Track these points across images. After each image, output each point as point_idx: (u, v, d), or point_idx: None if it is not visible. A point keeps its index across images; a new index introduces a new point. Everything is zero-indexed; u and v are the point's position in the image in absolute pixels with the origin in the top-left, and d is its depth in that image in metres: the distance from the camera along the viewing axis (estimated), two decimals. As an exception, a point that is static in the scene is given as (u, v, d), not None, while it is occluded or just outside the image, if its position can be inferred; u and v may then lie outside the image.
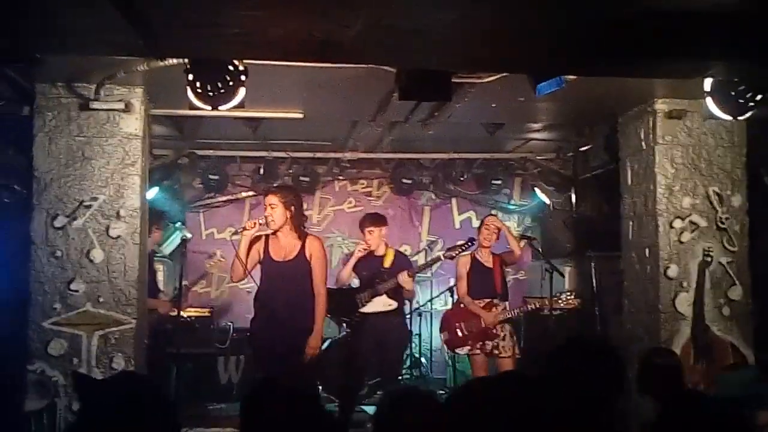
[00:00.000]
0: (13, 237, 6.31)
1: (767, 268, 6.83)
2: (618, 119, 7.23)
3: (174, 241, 8.78)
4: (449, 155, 9.47)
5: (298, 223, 5.75)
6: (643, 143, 6.82)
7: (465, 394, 2.31)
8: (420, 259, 9.34)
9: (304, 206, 9.60)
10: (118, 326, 5.96)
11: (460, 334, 7.09)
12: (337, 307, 7.44)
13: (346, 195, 10.23)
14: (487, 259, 7.19)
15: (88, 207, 6.00)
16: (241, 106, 5.23)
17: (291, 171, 9.37)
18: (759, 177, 6.95)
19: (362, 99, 6.66)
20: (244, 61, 5.02)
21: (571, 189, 9.40)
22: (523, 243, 7.59)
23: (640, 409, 5.15)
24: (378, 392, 7.74)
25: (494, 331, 6.97)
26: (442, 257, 7.11)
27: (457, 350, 7.24)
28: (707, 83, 5.69)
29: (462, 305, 7.21)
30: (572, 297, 7.43)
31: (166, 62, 5.17)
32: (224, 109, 5.21)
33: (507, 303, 7.16)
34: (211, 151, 8.94)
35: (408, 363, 8.47)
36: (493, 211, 9.81)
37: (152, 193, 7.76)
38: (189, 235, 8.37)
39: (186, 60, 4.98)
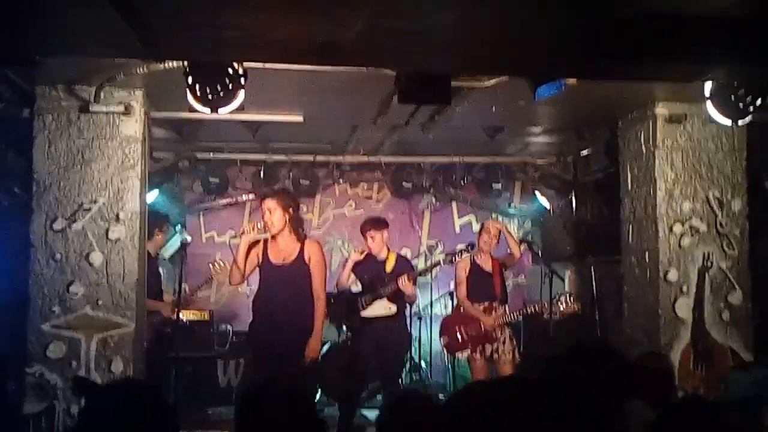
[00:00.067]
0: (13, 239, 6.31)
1: (767, 272, 6.82)
2: (618, 123, 7.23)
3: (174, 244, 8.77)
4: (450, 159, 9.46)
5: (297, 226, 5.75)
6: (643, 147, 6.83)
7: (464, 397, 2.30)
8: (420, 263, 9.33)
9: (304, 209, 9.78)
10: (116, 329, 5.97)
11: (459, 338, 7.08)
12: (339, 310, 7.43)
13: (346, 198, 10.21)
14: (486, 263, 7.18)
15: (88, 210, 6.00)
16: (240, 109, 5.24)
17: (291, 174, 9.35)
18: (759, 181, 6.95)
19: (362, 102, 6.66)
20: (244, 63, 5.02)
21: (571, 193, 9.39)
22: (523, 247, 7.59)
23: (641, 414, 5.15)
24: (378, 396, 7.74)
25: (494, 334, 6.96)
26: (442, 262, 7.10)
27: (456, 354, 7.23)
28: (707, 87, 5.69)
29: (462, 309, 7.21)
30: (572, 300, 7.41)
31: (166, 65, 5.18)
32: (224, 112, 5.21)
33: (506, 306, 7.15)
34: (212, 154, 8.94)
35: (408, 367, 8.45)
36: (494, 215, 9.80)
37: (152, 196, 7.76)
38: (189, 239, 8.36)
39: (185, 63, 4.98)
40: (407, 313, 7.32)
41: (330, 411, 8.00)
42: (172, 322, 6.83)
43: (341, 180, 10.05)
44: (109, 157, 6.06)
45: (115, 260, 6.00)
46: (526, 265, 10.02)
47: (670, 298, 6.59)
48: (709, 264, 6.59)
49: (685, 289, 6.59)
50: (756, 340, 6.67)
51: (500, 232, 7.19)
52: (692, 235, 6.64)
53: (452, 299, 8.21)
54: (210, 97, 5.01)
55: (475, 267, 7.16)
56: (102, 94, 6.00)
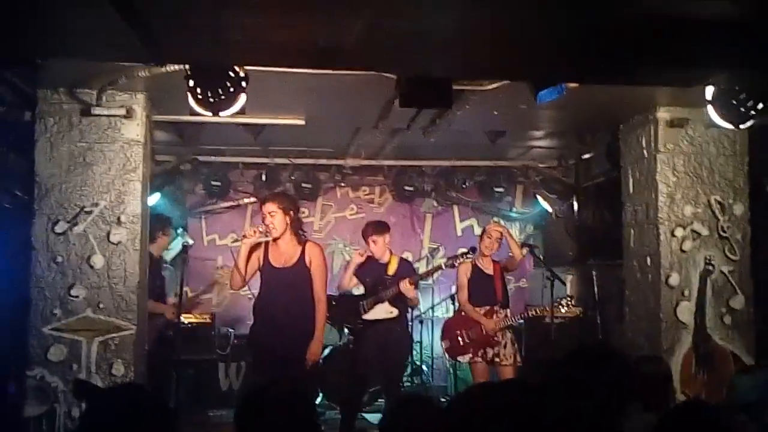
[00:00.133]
0: (14, 242, 6.31)
1: (769, 276, 6.82)
2: (620, 127, 7.24)
3: (175, 247, 8.77)
4: (451, 162, 9.48)
5: (297, 229, 5.74)
6: (644, 151, 6.82)
7: (466, 400, 2.29)
8: (421, 267, 9.33)
9: (306, 213, 9.78)
10: (118, 332, 5.96)
11: (461, 341, 7.08)
12: (341, 313, 7.43)
13: (348, 202, 10.22)
14: (487, 267, 7.18)
15: (89, 213, 6.00)
16: (241, 112, 5.23)
17: (293, 177, 9.36)
18: (761, 186, 6.94)
19: (364, 106, 6.67)
20: (245, 67, 5.02)
21: (572, 197, 9.39)
22: (524, 251, 7.58)
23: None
24: (379, 400, 7.73)
25: (495, 338, 6.96)
26: (443, 266, 7.09)
27: (458, 358, 7.22)
28: (709, 92, 5.68)
29: (463, 313, 7.20)
30: (573, 303, 7.41)
31: (168, 68, 5.18)
32: (225, 115, 5.21)
33: (508, 310, 7.15)
34: (214, 158, 8.95)
35: (409, 370, 8.45)
36: (495, 219, 9.80)
37: (153, 199, 7.76)
38: (190, 242, 8.38)
39: (186, 66, 4.98)
40: (409, 316, 7.32)
41: (331, 414, 8.02)
42: (174, 325, 6.83)
43: (343, 183, 10.06)
44: (110, 160, 6.06)
45: (116, 263, 6.00)
46: (527, 268, 10.02)
47: (671, 302, 6.58)
48: (710, 268, 6.58)
49: (686, 293, 6.58)
50: (758, 344, 6.66)
51: (502, 235, 7.19)
52: (694, 239, 6.64)
53: (454, 303, 8.21)
54: (211, 100, 5.00)
55: (476, 270, 7.16)
56: (104, 97, 6.00)
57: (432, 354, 9.42)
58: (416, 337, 8.58)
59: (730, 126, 5.82)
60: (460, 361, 7.36)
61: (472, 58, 4.59)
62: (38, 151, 6.00)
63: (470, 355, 7.01)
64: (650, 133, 6.74)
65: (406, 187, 9.64)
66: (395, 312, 6.73)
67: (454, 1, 3.59)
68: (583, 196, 9.24)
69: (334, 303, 7.63)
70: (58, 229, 5.95)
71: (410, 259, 8.67)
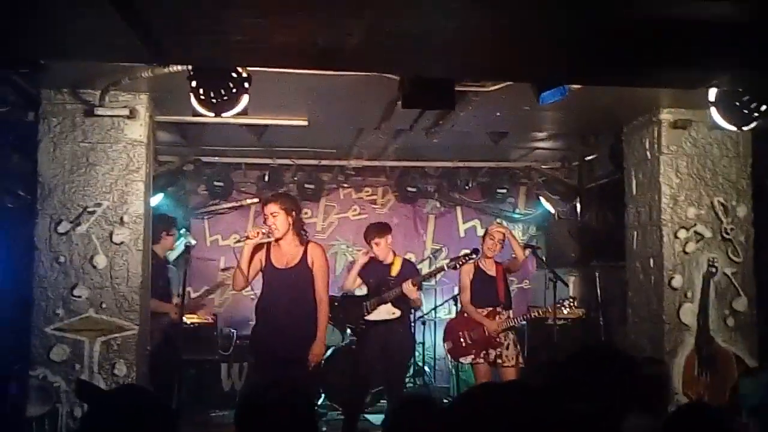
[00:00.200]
0: (17, 242, 6.33)
1: (772, 279, 6.80)
2: (623, 129, 7.22)
3: (178, 247, 8.78)
4: (454, 164, 9.48)
5: (299, 230, 5.74)
6: (648, 153, 6.81)
7: (468, 400, 2.29)
8: (424, 268, 9.32)
9: (309, 213, 9.79)
10: (120, 332, 5.97)
11: (463, 342, 7.07)
12: (344, 314, 7.43)
13: (350, 202, 10.23)
14: (490, 268, 7.17)
15: (92, 213, 6.01)
16: (244, 113, 5.24)
17: (296, 178, 9.37)
18: (764, 187, 6.91)
19: (367, 107, 6.67)
20: (248, 68, 5.02)
21: (576, 198, 9.37)
22: (527, 252, 7.57)
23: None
24: (381, 401, 7.73)
25: (497, 339, 6.95)
26: (446, 267, 7.08)
27: (460, 359, 7.22)
28: (712, 93, 5.68)
29: (465, 314, 7.20)
30: (575, 305, 7.40)
31: (171, 69, 5.18)
32: (227, 116, 5.22)
33: (510, 311, 7.14)
34: (217, 158, 8.96)
35: (411, 372, 8.45)
36: (498, 220, 9.79)
37: (156, 199, 7.77)
38: (193, 242, 8.38)
39: (189, 66, 4.99)
40: (411, 317, 7.32)
41: (333, 415, 8.02)
42: (177, 325, 6.84)
43: (346, 184, 10.08)
44: (113, 160, 6.07)
45: (119, 263, 6.01)
46: (530, 270, 10.02)
47: (674, 304, 6.56)
48: (713, 270, 6.56)
49: (689, 295, 6.57)
50: (761, 346, 6.64)
51: (504, 236, 7.18)
52: (697, 241, 6.62)
53: (456, 304, 8.20)
54: (214, 100, 5.01)
55: (479, 272, 7.15)
56: (107, 98, 6.01)
57: (434, 355, 9.43)
58: (419, 338, 8.58)
59: (733, 128, 5.81)
60: (462, 363, 7.36)
61: (473, 58, 4.59)
62: (41, 152, 6.01)
63: (472, 356, 7.01)
64: (653, 135, 6.73)
65: (409, 188, 9.64)
66: (398, 313, 6.73)
67: (455, 1, 3.59)
68: (586, 198, 9.22)
69: (336, 304, 7.64)
70: (61, 229, 5.96)
71: (413, 260, 8.68)
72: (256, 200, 9.68)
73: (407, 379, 8.00)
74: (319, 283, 5.70)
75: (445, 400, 8.33)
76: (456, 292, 8.00)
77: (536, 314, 7.43)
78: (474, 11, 3.74)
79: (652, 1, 3.69)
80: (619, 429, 2.69)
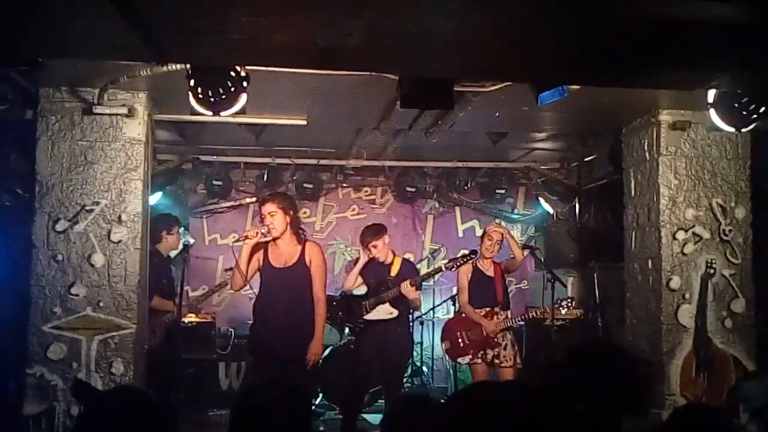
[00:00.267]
0: (15, 240, 6.32)
1: (770, 280, 6.81)
2: (622, 130, 7.23)
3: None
4: (453, 164, 9.48)
5: (297, 229, 5.74)
6: (646, 154, 6.82)
7: (465, 398, 2.29)
8: (423, 268, 9.31)
9: (307, 213, 9.79)
10: (118, 331, 5.97)
11: (461, 343, 7.06)
12: (343, 313, 7.42)
13: (349, 202, 10.22)
14: (488, 269, 7.17)
15: (90, 211, 6.01)
16: (242, 112, 5.24)
17: (295, 178, 9.37)
18: (763, 189, 6.92)
19: (366, 106, 6.67)
20: (247, 67, 5.02)
21: (574, 199, 9.38)
22: (526, 252, 7.57)
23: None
24: (379, 400, 7.73)
25: (495, 339, 6.95)
26: (444, 268, 7.07)
27: (458, 359, 7.21)
28: (711, 95, 5.68)
29: (463, 314, 7.19)
30: (574, 305, 7.40)
31: (170, 68, 5.18)
32: (225, 115, 5.22)
33: (508, 312, 7.13)
34: (215, 157, 8.96)
35: (409, 371, 8.44)
36: (497, 220, 9.79)
37: (155, 198, 7.76)
38: (192, 241, 8.37)
39: (188, 65, 4.98)
40: (410, 317, 7.32)
41: (331, 415, 8.02)
42: (176, 324, 6.83)
43: (344, 184, 10.08)
44: (112, 159, 6.06)
45: (116, 262, 6.00)
46: (528, 270, 10.02)
47: (672, 305, 6.57)
48: (711, 271, 6.57)
49: (687, 296, 6.58)
50: (759, 348, 6.64)
51: (503, 237, 7.17)
52: (695, 243, 6.63)
53: (454, 304, 8.20)
54: (212, 99, 5.01)
55: (477, 272, 7.15)
56: (105, 96, 6.01)
57: (432, 355, 9.43)
58: (417, 338, 8.57)
59: (732, 129, 5.82)
60: (460, 363, 7.35)
61: (473, 58, 4.59)
62: (39, 150, 6.00)
63: (470, 356, 7.00)
64: (652, 136, 6.73)
65: (408, 188, 9.63)
66: (395, 313, 6.72)
67: (455, 1, 3.58)
68: (585, 199, 9.23)
69: (334, 303, 7.64)
70: (59, 227, 5.95)
71: (411, 260, 8.67)
72: (254, 199, 9.67)
73: (405, 379, 7.99)
74: (316, 283, 5.69)
75: (442, 400, 8.32)
76: (454, 292, 8.00)
77: (534, 315, 7.44)
78: (474, 11, 3.74)
79: (652, 1, 3.69)
80: (619, 429, 2.69)
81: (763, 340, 6.68)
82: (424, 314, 8.93)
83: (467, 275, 7.13)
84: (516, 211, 10.46)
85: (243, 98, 5.09)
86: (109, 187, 6.04)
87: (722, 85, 5.45)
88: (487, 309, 7.04)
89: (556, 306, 7.07)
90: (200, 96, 5.00)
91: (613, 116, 7.02)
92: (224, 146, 8.66)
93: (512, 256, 7.28)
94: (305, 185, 9.26)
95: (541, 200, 9.81)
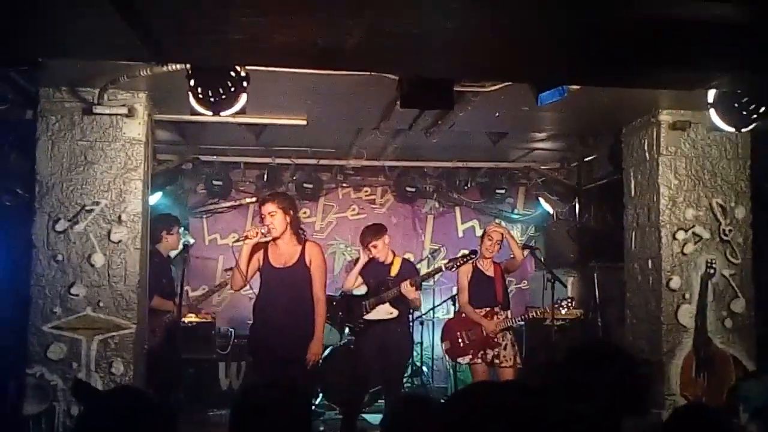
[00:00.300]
0: (15, 240, 6.32)
1: (770, 280, 6.81)
2: (622, 130, 7.23)
3: (177, 246, 8.77)
4: (453, 164, 9.48)
5: (296, 228, 5.74)
6: (646, 154, 6.82)
7: (465, 398, 2.28)
8: (423, 268, 9.31)
9: (307, 213, 9.79)
10: (117, 331, 5.97)
11: (461, 343, 7.06)
12: (343, 313, 7.42)
13: (349, 202, 10.22)
14: (488, 268, 7.16)
15: (90, 211, 6.01)
16: (242, 112, 5.24)
17: (295, 178, 9.37)
18: (763, 189, 6.92)
19: (366, 106, 6.67)
20: (247, 67, 5.02)
21: (574, 199, 9.38)
22: (526, 252, 7.57)
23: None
24: (379, 400, 7.73)
25: (495, 339, 6.94)
26: (444, 268, 7.07)
27: (458, 359, 7.21)
28: (711, 95, 5.68)
29: (463, 314, 7.19)
30: (574, 305, 7.40)
31: (170, 67, 5.18)
32: (225, 115, 5.22)
33: (508, 312, 7.13)
34: (215, 157, 8.96)
35: (409, 371, 8.44)
36: (497, 220, 9.79)
37: (155, 198, 7.75)
38: (191, 241, 8.37)
39: (188, 65, 4.98)
40: (410, 317, 7.31)
41: (331, 415, 8.02)
42: (176, 324, 6.83)
43: (344, 184, 10.08)
44: (111, 159, 6.06)
45: (116, 262, 6.00)
46: (528, 270, 10.02)
47: (672, 306, 6.57)
48: (711, 271, 6.57)
49: (687, 296, 6.58)
50: (759, 348, 6.64)
51: (503, 237, 7.17)
52: (695, 243, 6.63)
53: (454, 304, 8.19)
54: (212, 99, 5.01)
55: (477, 272, 7.14)
56: (105, 96, 6.01)
57: (432, 355, 9.43)
58: (417, 338, 8.57)
59: (732, 129, 5.82)
60: (460, 363, 7.34)
61: (473, 58, 4.59)
62: (39, 150, 6.00)
63: (470, 356, 7.00)
64: (652, 136, 6.73)
65: (408, 188, 9.63)
66: (395, 313, 6.72)
67: (455, 1, 3.58)
68: (585, 199, 9.23)
69: (334, 303, 7.64)
70: (59, 227, 5.95)
71: (411, 260, 8.67)
72: (254, 199, 9.67)
73: (405, 379, 7.99)
74: (316, 282, 5.69)
75: (442, 401, 8.32)
76: (454, 292, 8.00)
77: (534, 315, 7.44)
78: (474, 11, 3.74)
79: (652, 1, 3.69)
80: (619, 429, 2.69)
81: (763, 340, 6.68)
82: (424, 314, 8.92)
83: (467, 275, 7.13)
84: (516, 211, 10.46)
85: (243, 98, 5.09)
86: (109, 187, 6.04)
87: (722, 85, 5.45)
88: (487, 309, 7.04)
89: (556, 306, 7.07)
90: (200, 96, 5.00)
91: (613, 116, 7.02)
92: (224, 146, 8.66)
93: (512, 256, 7.28)
94: (305, 185, 9.26)
95: (541, 200, 9.81)
